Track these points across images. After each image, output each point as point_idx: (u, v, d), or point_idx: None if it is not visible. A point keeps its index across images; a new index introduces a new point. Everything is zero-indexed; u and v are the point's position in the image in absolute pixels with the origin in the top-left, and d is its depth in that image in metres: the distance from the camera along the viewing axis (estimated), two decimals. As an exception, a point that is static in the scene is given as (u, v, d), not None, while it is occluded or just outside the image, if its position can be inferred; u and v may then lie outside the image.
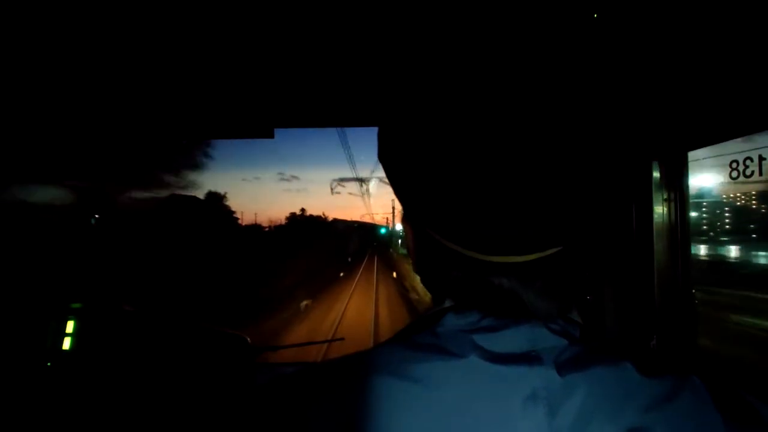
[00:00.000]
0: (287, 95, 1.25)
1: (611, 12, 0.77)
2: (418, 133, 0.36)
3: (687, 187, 1.02)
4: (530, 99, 0.33)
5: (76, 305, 1.42)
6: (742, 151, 0.93)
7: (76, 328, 1.37)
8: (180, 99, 1.26)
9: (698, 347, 1.02)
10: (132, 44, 1.01)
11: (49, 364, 1.34)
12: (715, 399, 0.34)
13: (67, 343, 1.36)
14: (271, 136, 1.30)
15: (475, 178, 0.33)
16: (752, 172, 0.92)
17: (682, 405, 0.34)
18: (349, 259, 33.93)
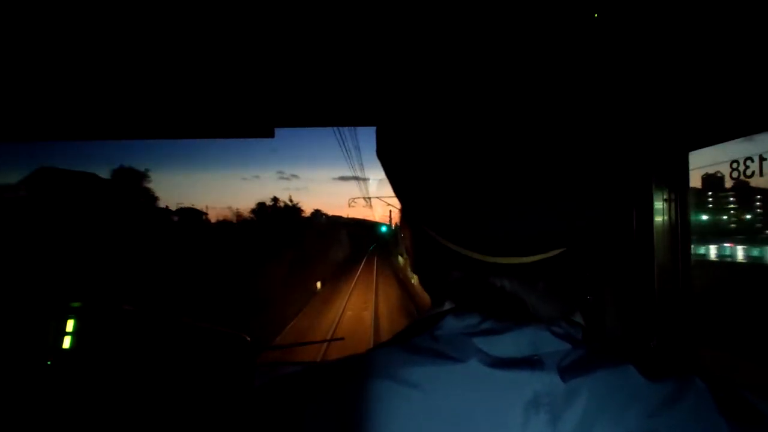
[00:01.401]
0: (287, 95, 1.25)
1: (612, 12, 0.77)
2: (420, 132, 0.36)
3: (687, 187, 1.02)
4: (531, 99, 0.33)
5: (76, 304, 1.42)
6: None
7: (76, 327, 1.37)
8: (180, 98, 1.25)
9: (699, 347, 1.02)
10: (133, 43, 1.01)
11: (49, 362, 1.34)
12: (717, 400, 0.34)
13: (67, 342, 1.36)
14: (271, 135, 1.30)
15: (477, 178, 0.33)
16: (752, 173, 0.92)
17: (685, 408, 0.33)
18: (319, 286, 20.96)
